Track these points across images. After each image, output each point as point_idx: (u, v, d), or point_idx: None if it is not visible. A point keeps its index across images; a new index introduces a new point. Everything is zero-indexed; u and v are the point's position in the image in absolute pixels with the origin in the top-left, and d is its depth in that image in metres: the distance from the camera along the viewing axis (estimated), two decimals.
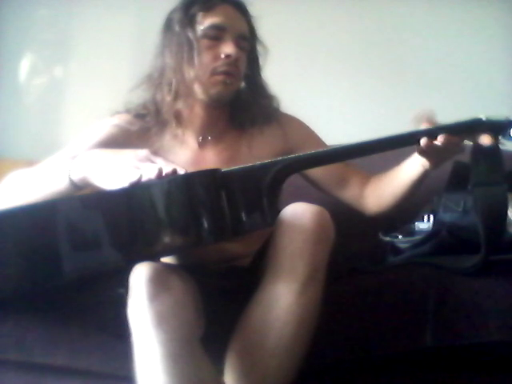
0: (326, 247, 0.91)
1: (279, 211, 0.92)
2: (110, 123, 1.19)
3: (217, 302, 0.99)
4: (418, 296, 1.03)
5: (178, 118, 1.19)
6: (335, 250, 0.92)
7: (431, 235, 1.13)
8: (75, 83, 2.29)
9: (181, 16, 1.16)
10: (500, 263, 1.02)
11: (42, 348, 1.02)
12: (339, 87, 2.22)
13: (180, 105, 1.17)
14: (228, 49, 1.13)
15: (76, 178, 0.92)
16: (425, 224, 1.19)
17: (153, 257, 0.89)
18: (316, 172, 1.25)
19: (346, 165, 1.27)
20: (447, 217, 1.12)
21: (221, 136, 1.23)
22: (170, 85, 1.16)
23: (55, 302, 1.04)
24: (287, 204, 0.93)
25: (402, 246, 1.20)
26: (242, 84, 1.24)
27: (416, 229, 1.20)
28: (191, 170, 0.87)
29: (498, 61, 2.19)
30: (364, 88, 2.19)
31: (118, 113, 1.21)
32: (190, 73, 1.14)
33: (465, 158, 1.05)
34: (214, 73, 1.14)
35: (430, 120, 1.01)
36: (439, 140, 0.98)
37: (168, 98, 1.16)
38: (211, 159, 1.19)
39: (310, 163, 1.04)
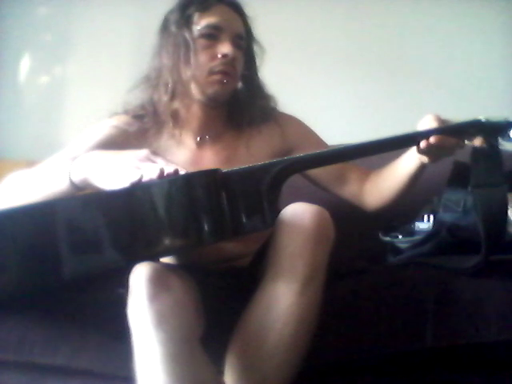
0: (326, 247, 0.91)
1: (279, 212, 0.92)
2: (108, 124, 1.19)
3: (217, 302, 0.99)
4: (418, 296, 1.03)
5: (175, 117, 1.19)
6: (335, 250, 0.92)
7: (431, 235, 1.14)
8: (75, 83, 2.30)
9: (177, 16, 1.16)
10: (500, 263, 1.02)
11: (42, 348, 1.02)
12: (339, 87, 2.22)
13: (177, 105, 1.18)
14: (225, 48, 1.13)
15: (76, 178, 0.92)
16: (425, 224, 1.19)
17: (153, 257, 0.89)
18: (315, 170, 1.25)
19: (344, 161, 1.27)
20: (447, 217, 1.12)
21: (219, 136, 1.23)
22: (166, 85, 1.16)
23: (55, 302, 1.04)
24: (287, 204, 0.93)
25: (402, 245, 1.20)
26: (240, 84, 1.24)
27: (416, 229, 1.20)
28: (190, 170, 0.87)
29: (498, 61, 2.19)
30: (363, 88, 2.19)
31: (117, 114, 1.21)
32: (186, 73, 1.14)
33: (465, 157, 1.05)
34: (210, 72, 1.14)
35: (438, 119, 1.01)
36: (438, 141, 0.98)
37: (164, 98, 1.16)
38: (209, 159, 1.19)
39: (311, 164, 1.04)
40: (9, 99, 2.30)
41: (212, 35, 1.14)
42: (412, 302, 1.03)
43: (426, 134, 0.99)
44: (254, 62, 1.25)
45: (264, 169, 0.89)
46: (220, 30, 1.15)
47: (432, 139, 0.98)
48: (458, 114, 1.02)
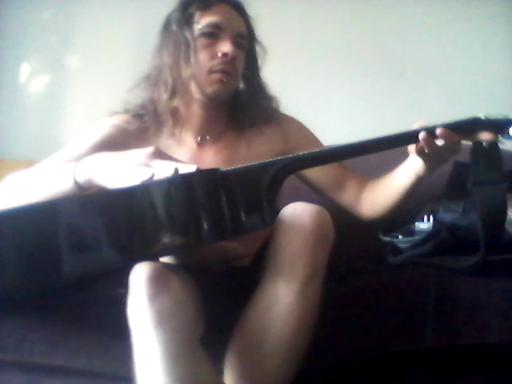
0: (326, 247, 0.90)
1: (279, 211, 0.92)
2: (108, 123, 1.19)
3: (217, 302, 0.99)
4: (418, 296, 1.03)
5: (175, 116, 1.19)
6: (335, 250, 0.92)
7: (431, 235, 1.13)
8: (75, 84, 2.30)
9: (178, 15, 1.17)
10: (500, 263, 1.02)
11: (42, 348, 1.02)
12: (339, 87, 2.22)
13: (176, 103, 1.18)
14: (225, 47, 1.13)
15: (81, 179, 0.92)
16: (425, 224, 1.19)
17: (152, 256, 0.89)
18: (313, 174, 1.26)
19: (344, 168, 1.28)
20: (447, 217, 1.12)
21: (220, 136, 1.23)
22: (166, 83, 1.16)
23: (55, 302, 1.04)
24: (287, 204, 0.93)
25: (402, 245, 1.20)
26: (241, 84, 1.24)
27: (416, 229, 1.20)
28: None
29: (498, 61, 2.20)
30: (363, 88, 2.19)
31: (117, 113, 1.22)
32: (186, 71, 1.14)
33: (465, 158, 1.05)
34: (210, 71, 1.14)
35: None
36: (439, 135, 0.98)
37: (164, 97, 1.16)
38: (210, 159, 1.19)
39: (310, 162, 1.04)
40: (9, 99, 2.30)
41: (213, 34, 1.14)
42: (412, 301, 1.02)
43: (425, 130, 0.99)
44: (256, 62, 1.25)
45: (263, 168, 0.89)
46: (221, 29, 1.15)
47: (437, 131, 0.97)
48: (458, 114, 1.02)
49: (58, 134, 2.22)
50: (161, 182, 0.80)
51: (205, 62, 1.14)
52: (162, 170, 0.82)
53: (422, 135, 0.99)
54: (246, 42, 1.20)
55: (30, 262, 0.79)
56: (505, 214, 0.99)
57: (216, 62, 1.14)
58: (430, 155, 1.04)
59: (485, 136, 1.00)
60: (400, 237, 1.22)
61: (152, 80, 1.19)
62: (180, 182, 0.80)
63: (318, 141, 1.31)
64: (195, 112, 1.20)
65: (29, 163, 1.12)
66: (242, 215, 0.84)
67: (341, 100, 2.21)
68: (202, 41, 1.14)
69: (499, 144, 1.02)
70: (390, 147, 1.03)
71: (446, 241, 1.10)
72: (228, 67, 1.14)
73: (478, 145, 1.01)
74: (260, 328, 0.88)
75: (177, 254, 1.09)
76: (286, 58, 2.00)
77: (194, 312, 0.90)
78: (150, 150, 0.88)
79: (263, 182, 0.87)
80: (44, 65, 2.35)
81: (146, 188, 0.80)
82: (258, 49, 1.25)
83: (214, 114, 1.21)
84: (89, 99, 2.14)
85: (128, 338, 0.85)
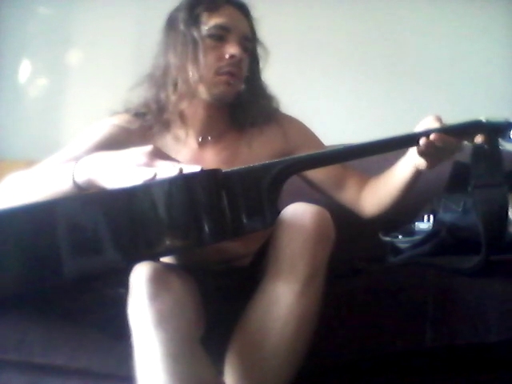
0: (326, 247, 0.90)
1: (279, 212, 0.92)
2: (109, 123, 1.19)
3: (217, 302, 0.99)
4: (418, 296, 1.03)
5: (182, 117, 1.19)
6: (335, 250, 0.92)
7: (431, 235, 1.14)
8: (75, 83, 2.30)
9: (185, 15, 1.16)
10: (500, 263, 1.02)
11: (42, 348, 1.02)
12: (339, 88, 2.22)
13: (184, 105, 1.18)
14: (233, 49, 1.13)
15: (80, 179, 0.91)
16: (425, 224, 1.19)
17: (153, 257, 0.89)
18: (314, 173, 1.26)
19: (344, 167, 1.28)
20: (447, 217, 1.13)
21: (221, 136, 1.23)
22: (175, 84, 1.16)
23: (55, 302, 1.04)
24: (287, 204, 0.93)
25: (402, 245, 1.20)
26: (243, 85, 1.24)
27: (416, 229, 1.20)
28: None
29: (498, 61, 2.20)
30: (364, 89, 2.19)
31: (117, 113, 1.21)
32: (194, 72, 1.14)
33: (465, 158, 1.05)
34: (217, 73, 1.14)
35: (439, 119, 1.02)
36: (438, 140, 0.98)
37: (173, 98, 1.16)
38: (211, 159, 1.19)
39: (311, 164, 1.04)
40: (9, 99, 2.30)
41: (220, 36, 1.15)
42: (412, 302, 1.02)
43: (425, 135, 0.99)
44: (258, 64, 1.26)
45: (264, 169, 0.89)
46: (228, 31, 1.15)
47: (433, 136, 0.98)
48: (458, 114, 1.02)
49: (58, 133, 2.22)
50: (162, 183, 0.80)
51: (212, 63, 1.14)
52: (166, 170, 0.82)
53: (422, 140, 0.99)
54: (251, 44, 1.20)
55: (30, 262, 0.79)
56: (505, 215, 0.99)
57: (223, 63, 1.14)
58: (430, 155, 1.04)
59: (480, 138, 1.00)
60: (400, 237, 1.22)
61: (157, 80, 1.19)
62: (181, 183, 0.80)
63: (319, 140, 1.31)
64: (198, 112, 1.20)
65: (29, 163, 1.12)
66: (243, 216, 0.84)
67: (341, 100, 2.21)
68: (209, 42, 1.14)
69: (499, 147, 1.02)
70: (390, 150, 1.03)
71: (446, 241, 1.10)
72: (234, 69, 1.15)
73: (478, 147, 1.01)
74: (260, 328, 0.88)
75: (178, 255, 1.09)
76: (286, 58, 2.00)
77: (194, 312, 0.90)
78: (148, 148, 0.87)
79: (264, 183, 0.87)
80: (44, 64, 2.35)
81: (148, 188, 0.80)
82: (260, 50, 1.25)
83: (216, 114, 1.21)
84: (89, 99, 2.14)
85: (128, 337, 0.85)
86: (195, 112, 1.20)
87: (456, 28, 2.22)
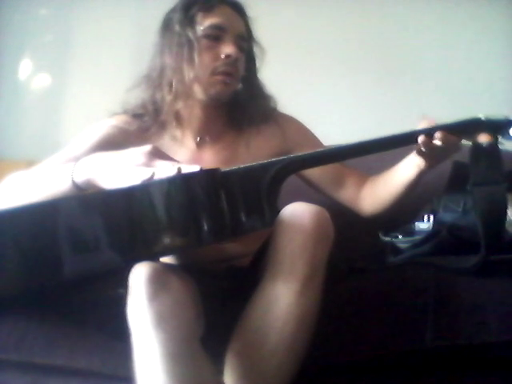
0: (326, 247, 0.90)
1: (279, 211, 0.92)
2: (107, 124, 1.19)
3: (217, 302, 0.99)
4: (418, 296, 1.03)
5: (178, 118, 1.19)
6: (335, 250, 0.92)
7: (431, 235, 1.13)
8: (75, 83, 2.30)
9: (180, 16, 1.17)
10: (500, 263, 1.02)
11: (42, 348, 1.02)
12: (338, 88, 2.22)
13: (180, 105, 1.18)
14: (228, 49, 1.13)
15: (79, 180, 0.91)
16: (425, 224, 1.19)
17: (152, 257, 0.89)
18: (313, 172, 1.26)
19: (343, 165, 1.28)
20: (447, 217, 1.12)
21: (219, 136, 1.23)
22: (170, 85, 1.16)
23: (55, 302, 1.04)
24: (287, 204, 0.93)
25: (402, 245, 1.20)
26: (240, 85, 1.24)
27: (416, 229, 1.20)
28: None
29: (498, 61, 2.20)
30: (363, 88, 2.19)
31: (116, 114, 1.21)
32: (189, 73, 1.14)
33: (465, 158, 1.05)
34: (213, 73, 1.14)
35: (429, 121, 1.02)
36: (437, 138, 0.98)
37: (168, 98, 1.16)
38: (209, 159, 1.20)
39: (310, 163, 1.04)
40: (9, 99, 2.30)
41: (215, 36, 1.15)
42: (412, 301, 1.02)
43: (423, 133, 0.99)
44: (254, 63, 1.26)
45: (263, 168, 0.89)
46: (223, 31, 1.15)
47: (435, 135, 0.98)
48: (458, 114, 1.02)
49: (58, 133, 2.22)
50: (161, 182, 0.80)
51: (207, 63, 1.14)
52: (164, 170, 0.82)
53: (420, 138, 0.99)
54: (247, 44, 1.20)
55: (30, 262, 0.79)
56: (505, 214, 0.99)
57: (219, 63, 1.14)
58: (429, 154, 1.04)
59: (484, 137, 1.00)
60: (400, 237, 1.22)
61: (153, 80, 1.19)
62: (180, 182, 0.80)
63: (317, 139, 1.31)
64: (195, 113, 1.20)
65: (29, 163, 1.13)
66: (242, 216, 0.84)
67: (340, 100, 2.21)
68: (205, 42, 1.15)
69: (499, 144, 1.02)
70: (388, 148, 1.03)
71: (446, 241, 1.10)
72: (230, 69, 1.15)
73: (477, 145, 1.01)
74: (260, 328, 0.88)
75: (177, 254, 1.09)
76: (285, 57, 2.00)
77: (193, 312, 0.90)
78: (147, 148, 0.88)
79: (263, 182, 0.87)
80: (44, 64, 2.35)
81: (146, 188, 0.80)
82: (256, 49, 1.25)
83: (214, 114, 1.22)
84: (89, 99, 2.14)
85: (128, 337, 0.85)
86: (191, 112, 1.20)
87: (456, 28, 2.22)
